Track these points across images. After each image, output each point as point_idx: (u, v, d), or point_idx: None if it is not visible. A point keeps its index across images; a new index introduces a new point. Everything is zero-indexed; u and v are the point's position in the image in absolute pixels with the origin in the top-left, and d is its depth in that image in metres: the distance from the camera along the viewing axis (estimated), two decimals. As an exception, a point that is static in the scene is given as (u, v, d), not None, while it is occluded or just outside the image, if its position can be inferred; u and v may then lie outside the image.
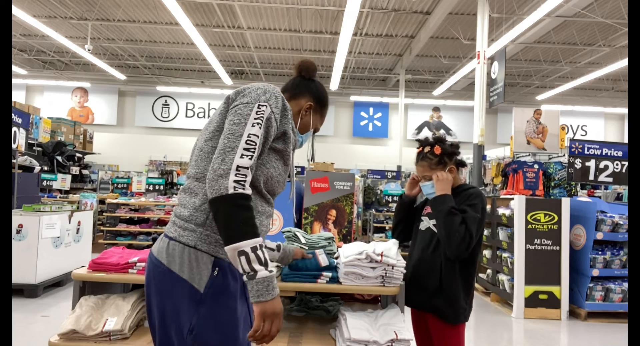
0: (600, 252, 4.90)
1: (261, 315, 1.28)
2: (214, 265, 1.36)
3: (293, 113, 1.63)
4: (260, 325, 1.28)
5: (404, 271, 2.17)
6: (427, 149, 2.19)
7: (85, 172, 10.60)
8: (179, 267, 1.36)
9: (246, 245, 1.26)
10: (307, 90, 1.68)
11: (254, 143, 1.37)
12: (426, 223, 2.25)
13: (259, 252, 1.28)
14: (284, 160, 1.53)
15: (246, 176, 1.34)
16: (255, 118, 1.40)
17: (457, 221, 2.00)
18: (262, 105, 1.43)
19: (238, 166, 1.33)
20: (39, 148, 8.60)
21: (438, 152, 2.17)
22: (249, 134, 1.37)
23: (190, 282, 1.35)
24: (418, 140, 2.29)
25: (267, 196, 1.51)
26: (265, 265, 1.28)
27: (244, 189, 1.31)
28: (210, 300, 1.35)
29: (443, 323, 2.08)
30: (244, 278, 1.27)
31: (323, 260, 2.25)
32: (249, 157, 1.35)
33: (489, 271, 5.83)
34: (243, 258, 1.26)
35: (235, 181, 1.31)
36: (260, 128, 1.40)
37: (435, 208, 2.10)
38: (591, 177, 5.41)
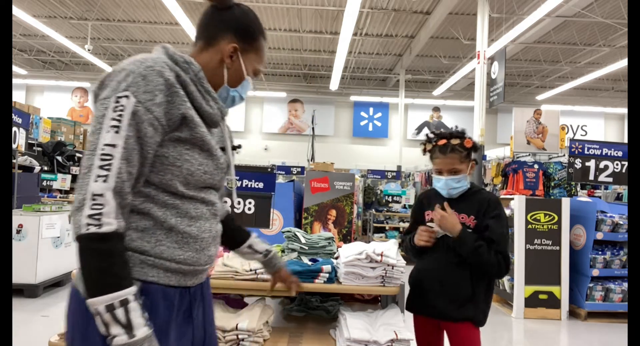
0: (600, 252, 4.90)
1: None
2: (140, 292, 1.06)
3: (213, 66, 1.25)
4: None
5: (404, 271, 2.17)
6: (456, 141, 2.04)
7: (85, 172, 10.58)
8: None
9: (99, 302, 0.97)
10: (224, 27, 1.26)
11: (109, 158, 1.02)
12: (442, 231, 2.05)
13: (118, 312, 0.97)
14: (201, 147, 1.17)
15: (104, 206, 1.00)
16: (112, 120, 1.04)
17: (488, 256, 1.93)
18: (121, 97, 1.05)
19: (93, 194, 1.00)
20: (39, 148, 8.59)
21: (469, 145, 2.05)
22: (104, 146, 1.02)
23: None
24: (437, 134, 2.12)
25: (199, 195, 1.20)
26: (128, 328, 0.98)
27: (99, 227, 0.99)
28: None
29: (474, 329, 1.99)
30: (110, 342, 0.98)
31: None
32: (104, 178, 1.01)
33: (489, 271, 5.83)
34: (98, 319, 0.98)
35: (89, 216, 0.99)
36: (118, 132, 1.03)
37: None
38: (591, 177, 5.41)
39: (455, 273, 1.99)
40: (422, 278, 2.08)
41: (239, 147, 1.41)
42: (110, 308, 0.97)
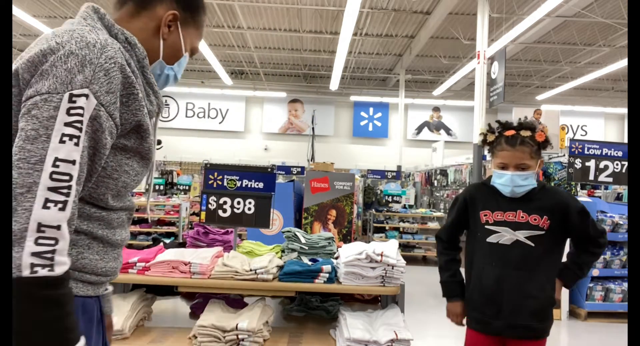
0: (600, 252, 4.90)
1: None
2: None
3: (146, 36, 1.03)
4: None
5: (404, 271, 2.17)
6: (526, 134, 1.81)
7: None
8: None
9: None
10: None
11: (67, 178, 0.79)
12: (508, 235, 1.83)
13: None
14: (142, 155, 1.01)
15: (58, 242, 0.77)
16: (67, 126, 0.80)
17: (591, 262, 1.95)
18: (78, 96, 0.82)
19: (41, 225, 0.76)
20: (39, 148, 8.59)
21: (542, 139, 1.83)
22: (56, 160, 0.78)
23: None
24: (503, 123, 1.88)
25: (125, 204, 1.04)
26: None
27: (51, 268, 0.76)
28: None
29: (543, 341, 1.88)
30: None
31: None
32: (61, 206, 0.78)
33: (489, 271, 5.83)
34: None
35: (34, 254, 0.75)
36: (78, 144, 0.81)
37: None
38: (591, 177, 5.40)
39: (527, 285, 1.80)
40: (480, 291, 1.85)
41: (160, 143, 1.17)
42: None
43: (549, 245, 1.84)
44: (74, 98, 0.81)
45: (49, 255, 0.76)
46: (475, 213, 1.88)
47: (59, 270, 0.77)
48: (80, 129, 0.81)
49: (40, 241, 0.75)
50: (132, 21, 1.05)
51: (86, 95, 0.82)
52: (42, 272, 0.75)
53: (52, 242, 0.76)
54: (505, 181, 1.80)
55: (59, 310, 0.77)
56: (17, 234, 0.74)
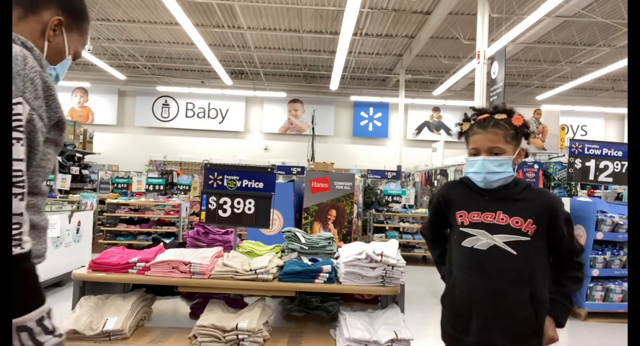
0: (600, 252, 4.90)
1: None
2: None
3: (35, 37, 1.15)
4: None
5: (404, 271, 2.17)
6: (501, 116, 1.63)
7: (85, 172, 10.59)
8: None
9: (30, 318, 0.98)
10: None
11: (20, 174, 0.97)
12: (484, 239, 1.59)
13: (46, 322, 1.01)
14: (57, 143, 1.18)
15: (22, 225, 0.96)
16: (13, 130, 0.97)
17: (575, 286, 1.65)
18: (16, 104, 0.97)
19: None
20: (39, 148, 8.58)
21: (519, 123, 1.62)
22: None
23: None
24: (478, 109, 1.73)
25: (46, 189, 1.20)
26: (54, 332, 1.02)
27: (21, 247, 0.96)
28: None
29: None
30: None
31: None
32: (21, 197, 0.96)
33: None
34: (24, 334, 0.97)
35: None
36: (23, 144, 0.98)
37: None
38: (591, 177, 5.40)
39: (509, 298, 1.55)
40: (464, 300, 1.61)
41: None
42: (40, 321, 1.00)
43: (534, 254, 1.56)
44: (14, 106, 0.97)
45: (18, 237, 0.96)
46: (451, 213, 1.67)
47: (27, 247, 0.98)
48: (22, 132, 0.98)
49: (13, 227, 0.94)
50: (19, 24, 1.14)
51: (21, 103, 0.98)
52: (17, 251, 0.95)
53: (19, 226, 0.96)
54: (477, 168, 1.59)
55: (32, 277, 1.00)
56: None
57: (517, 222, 1.56)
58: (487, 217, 1.58)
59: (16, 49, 1.04)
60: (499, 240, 1.56)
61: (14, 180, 0.95)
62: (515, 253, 1.55)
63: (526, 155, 1.73)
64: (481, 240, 1.58)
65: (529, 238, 1.55)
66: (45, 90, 1.06)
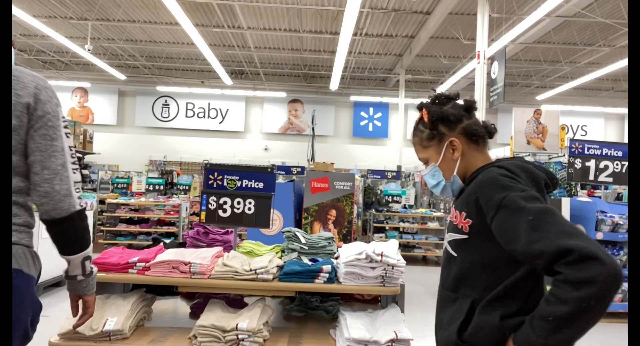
0: (600, 252, 4.90)
1: (93, 302, 1.53)
2: (36, 256, 1.45)
3: None
4: (92, 310, 1.53)
5: (404, 271, 2.17)
6: (417, 119, 1.44)
7: (85, 172, 10.60)
8: (28, 267, 1.39)
9: (89, 251, 1.46)
10: None
11: (74, 155, 1.42)
12: (446, 240, 1.38)
13: (87, 262, 1.47)
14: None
15: (80, 190, 1.42)
16: (65, 128, 1.40)
17: (551, 306, 1.09)
18: (61, 112, 1.42)
19: (75, 182, 1.40)
20: (39, 148, 8.59)
21: (426, 117, 1.39)
22: (69, 147, 1.41)
23: (33, 276, 1.42)
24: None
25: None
26: (89, 273, 1.50)
27: (82, 203, 1.41)
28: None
29: None
30: (80, 277, 1.46)
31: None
32: (75, 170, 1.42)
33: (489, 271, 5.82)
34: (87, 262, 1.46)
35: (79, 197, 1.41)
36: (69, 137, 1.43)
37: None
38: (591, 177, 5.41)
39: (446, 302, 1.35)
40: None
41: None
42: (86, 258, 1.46)
43: (475, 256, 1.25)
44: (63, 114, 1.45)
45: (80, 197, 1.42)
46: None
47: (83, 203, 1.42)
48: (68, 128, 1.45)
49: (77, 191, 1.40)
50: None
51: (61, 108, 1.44)
52: (81, 205, 1.41)
53: (79, 191, 1.42)
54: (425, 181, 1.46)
55: (87, 224, 1.44)
56: (68, 190, 1.37)
57: (455, 217, 1.30)
58: (452, 216, 1.35)
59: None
60: (446, 240, 1.36)
61: (72, 159, 1.40)
62: (455, 254, 1.31)
63: (476, 134, 1.37)
64: (446, 237, 1.38)
65: (466, 236, 1.26)
66: None
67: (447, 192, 1.41)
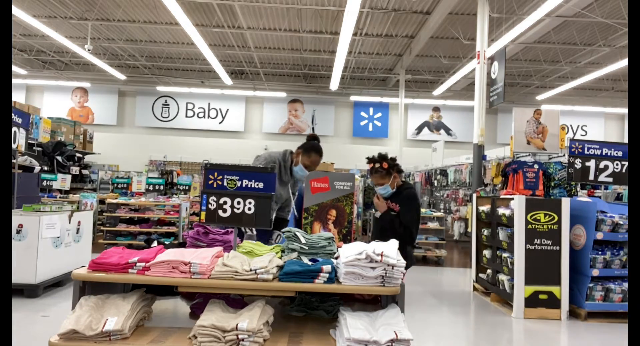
0: (600, 252, 4.90)
1: None
2: None
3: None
4: None
5: (404, 271, 2.16)
6: (377, 165, 3.44)
7: (85, 172, 10.60)
8: None
9: None
10: None
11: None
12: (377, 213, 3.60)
13: None
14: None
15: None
16: None
17: (398, 228, 3.39)
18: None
19: None
20: (39, 148, 8.59)
21: (386, 166, 3.44)
22: None
23: None
24: (368, 158, 3.44)
25: None
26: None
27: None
28: None
29: None
30: None
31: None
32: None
33: (489, 271, 5.83)
34: None
35: None
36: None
37: (383, 222, 3.49)
38: (591, 177, 5.40)
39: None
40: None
41: None
42: None
43: (394, 221, 3.52)
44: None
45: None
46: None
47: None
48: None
49: None
50: None
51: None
52: None
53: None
54: (378, 191, 3.54)
55: None
56: None
57: (392, 205, 3.50)
58: (390, 204, 3.55)
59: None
60: (377, 214, 3.61)
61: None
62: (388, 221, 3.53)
63: (401, 171, 3.63)
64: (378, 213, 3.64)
65: (395, 213, 3.46)
66: None
67: (387, 195, 3.53)
